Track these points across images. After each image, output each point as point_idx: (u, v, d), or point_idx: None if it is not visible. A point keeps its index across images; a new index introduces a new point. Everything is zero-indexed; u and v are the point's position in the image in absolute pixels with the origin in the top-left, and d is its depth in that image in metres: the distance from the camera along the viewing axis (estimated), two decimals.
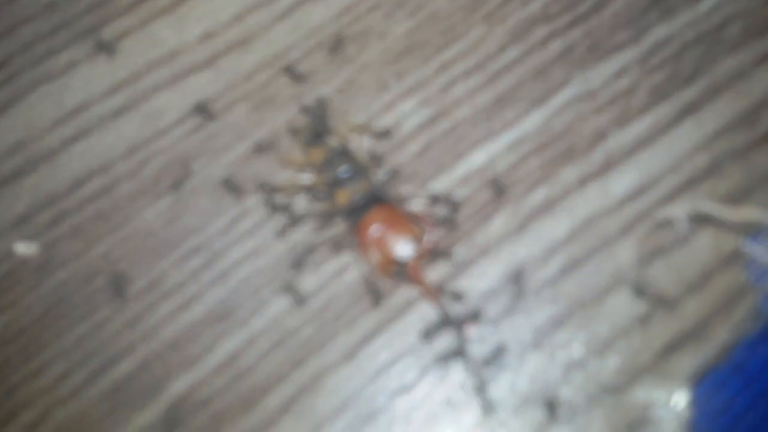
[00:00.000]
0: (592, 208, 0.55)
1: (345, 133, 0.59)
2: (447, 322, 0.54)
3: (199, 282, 0.55)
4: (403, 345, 0.54)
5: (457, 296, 0.55)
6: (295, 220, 0.57)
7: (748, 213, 0.50)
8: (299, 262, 0.57)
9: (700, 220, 0.53)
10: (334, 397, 0.51)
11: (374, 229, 0.54)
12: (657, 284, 0.52)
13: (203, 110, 0.58)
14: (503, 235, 0.57)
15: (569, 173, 0.56)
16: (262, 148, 0.60)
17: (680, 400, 0.49)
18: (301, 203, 0.59)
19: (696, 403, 0.49)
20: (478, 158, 0.59)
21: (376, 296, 0.55)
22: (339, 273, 0.56)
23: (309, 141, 0.59)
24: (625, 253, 0.53)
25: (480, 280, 0.56)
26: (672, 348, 0.51)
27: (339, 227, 0.57)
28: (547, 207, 0.55)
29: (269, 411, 0.51)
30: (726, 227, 0.52)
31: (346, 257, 0.57)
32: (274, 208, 0.57)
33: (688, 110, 0.58)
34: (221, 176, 0.59)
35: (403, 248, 0.53)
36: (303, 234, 0.58)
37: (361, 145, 0.59)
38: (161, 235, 0.57)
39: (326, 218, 0.56)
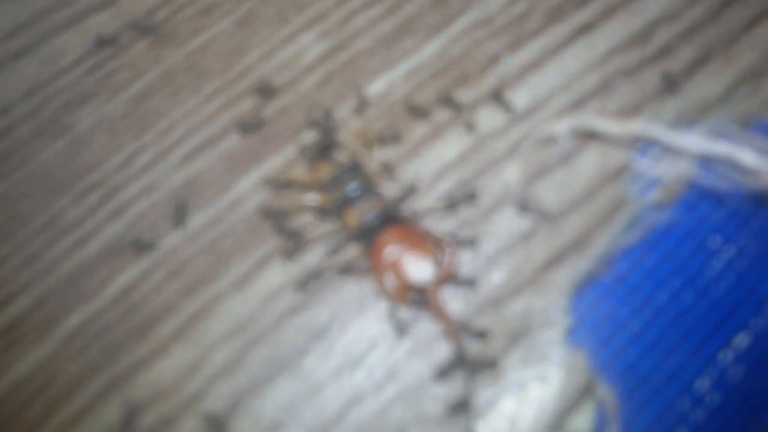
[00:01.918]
0: (481, 131, 0.57)
1: (354, 147, 0.56)
2: (462, 362, 0.50)
3: (95, 218, 0.58)
4: (291, 271, 0.56)
5: (482, 335, 0.51)
6: (302, 245, 0.55)
7: (635, 126, 0.53)
8: (305, 284, 0.55)
9: (586, 136, 0.55)
10: (224, 322, 0.54)
11: (389, 252, 0.51)
12: (541, 201, 0.55)
13: (104, 42, 0.61)
14: (398, 158, 0.58)
15: (462, 98, 0.59)
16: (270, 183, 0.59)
17: (561, 311, 0.52)
18: (309, 225, 0.56)
19: (577, 314, 0.52)
20: (377, 87, 0.61)
21: (399, 327, 0.52)
22: (232, 206, 0.58)
23: (316, 156, 0.56)
24: (512, 172, 0.56)
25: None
26: (554, 261, 0.53)
27: (351, 251, 0.55)
28: (439, 132, 0.58)
29: (161, 338, 0.54)
30: (613, 142, 0.55)
31: (240, 190, 0.59)
32: (285, 235, 0.55)
33: (582, 31, 0.61)
34: (120, 113, 0.60)
35: (421, 272, 0.50)
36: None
37: (372, 157, 0.57)
38: (59, 174, 0.60)
39: (337, 242, 0.54)
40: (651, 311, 0.51)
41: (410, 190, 0.55)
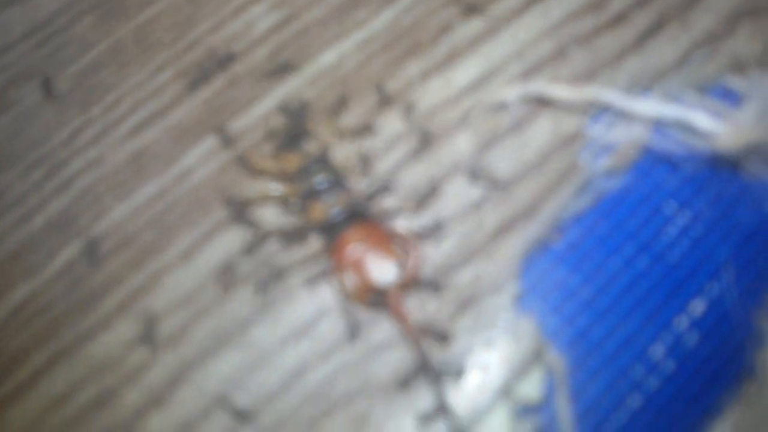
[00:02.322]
0: (433, 100, 0.57)
1: (325, 137, 0.54)
2: (426, 369, 0.48)
3: (41, 193, 0.58)
4: (238, 243, 0.55)
5: (443, 338, 0.49)
6: (262, 237, 0.53)
7: (587, 92, 0.53)
8: (265, 287, 0.53)
9: (538, 103, 0.55)
10: (170, 295, 0.54)
11: (352, 250, 0.49)
12: (493, 169, 0.54)
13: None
14: (349, 129, 0.57)
15: (413, 68, 0.58)
16: (226, 142, 0.57)
17: (511, 279, 0.52)
18: (270, 216, 0.54)
19: (527, 281, 0.52)
20: (327, 58, 0.60)
21: (352, 327, 0.50)
22: (179, 178, 0.57)
23: (284, 145, 0.55)
24: (464, 140, 0.56)
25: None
26: (505, 229, 0.53)
27: (312, 246, 0.53)
28: (391, 101, 0.58)
29: (106, 312, 0.54)
30: (565, 109, 0.55)
31: (187, 162, 0.59)
32: (241, 222, 0.53)
33: None
34: (67, 88, 0.60)
35: (384, 273, 0.49)
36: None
37: (345, 149, 0.55)
38: (4, 150, 0.59)
39: (297, 235, 0.52)
40: (603, 278, 0.51)
41: (382, 188, 0.54)
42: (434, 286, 0.50)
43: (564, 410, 0.48)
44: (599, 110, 0.55)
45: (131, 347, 0.52)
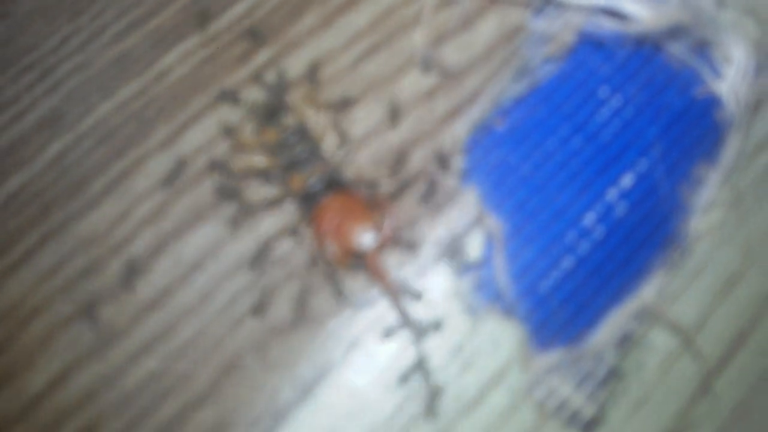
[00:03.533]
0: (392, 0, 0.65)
1: (303, 110, 0.57)
2: (406, 324, 0.53)
3: (32, 94, 0.66)
4: (211, 130, 0.63)
5: (417, 296, 0.54)
6: (247, 210, 0.57)
7: None
8: (258, 261, 0.57)
9: None
10: (150, 178, 0.62)
11: (331, 217, 0.52)
12: (444, 60, 0.63)
13: None
14: (310, 29, 0.65)
15: None
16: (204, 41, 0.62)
17: (457, 156, 0.60)
18: (253, 190, 0.58)
19: (472, 159, 0.60)
20: None
21: (337, 289, 0.54)
22: (158, 77, 0.66)
23: (264, 119, 0.58)
24: (418, 36, 0.64)
25: (290, 69, 0.65)
26: (453, 113, 0.61)
27: (293, 214, 0.57)
28: (351, 2, 0.66)
29: (92, 195, 0.62)
30: (510, 3, 0.63)
31: (165, 62, 0.67)
32: (225, 195, 0.57)
33: None
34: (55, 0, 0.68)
35: (362, 238, 0.52)
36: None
37: (320, 120, 0.58)
38: None
39: (277, 203, 0.56)
40: (541, 156, 0.59)
41: (351, 150, 0.59)
42: (410, 245, 0.55)
43: (501, 268, 0.56)
44: (541, 3, 0.61)
45: (115, 224, 0.59)
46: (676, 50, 0.59)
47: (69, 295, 0.59)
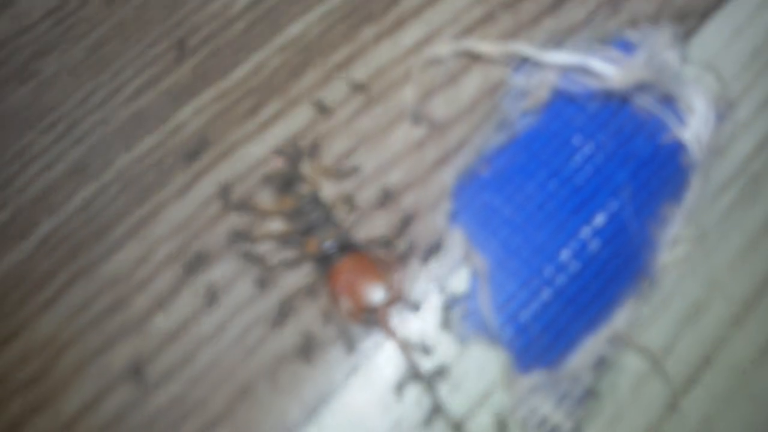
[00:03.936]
0: (383, 60, 0.75)
1: (316, 179, 0.62)
2: (416, 375, 0.58)
3: (59, 146, 0.74)
4: (230, 174, 0.71)
5: (426, 350, 0.59)
6: (271, 272, 0.62)
7: (509, 47, 0.70)
8: (281, 319, 0.62)
9: (470, 57, 0.72)
10: (169, 224, 0.70)
11: (345, 277, 0.57)
12: (432, 114, 0.72)
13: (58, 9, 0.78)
14: (311, 86, 0.73)
15: (367, 33, 0.76)
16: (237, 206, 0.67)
17: (445, 200, 0.69)
18: (273, 251, 0.64)
19: (460, 202, 0.69)
20: (294, 29, 0.77)
21: (348, 343, 0.59)
22: (173, 131, 0.74)
23: (281, 188, 0.62)
24: (409, 92, 0.73)
25: (291, 124, 0.73)
26: (441, 162, 0.70)
27: (311, 275, 0.61)
28: (348, 62, 0.75)
29: (116, 239, 0.69)
30: (492, 62, 0.72)
31: (179, 118, 0.75)
32: (250, 260, 0.62)
33: None
34: (79, 59, 0.77)
35: (374, 295, 0.57)
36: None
37: (331, 189, 0.64)
38: (28, 112, 0.76)
39: (295, 265, 0.61)
40: (521, 198, 0.66)
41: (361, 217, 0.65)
42: (414, 306, 0.60)
43: (486, 300, 0.64)
44: (520, 63, 0.70)
45: (138, 264, 0.68)
46: (644, 102, 0.67)
47: (97, 329, 0.65)
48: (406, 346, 0.57)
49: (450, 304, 0.62)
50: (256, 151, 0.70)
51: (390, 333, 0.56)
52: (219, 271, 0.66)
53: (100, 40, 0.78)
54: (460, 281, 0.63)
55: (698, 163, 0.65)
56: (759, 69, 0.69)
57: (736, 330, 0.64)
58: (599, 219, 0.66)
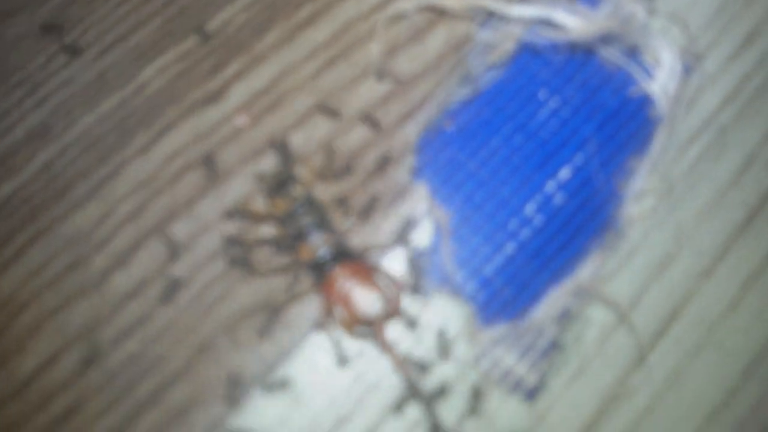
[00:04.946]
0: (348, 16, 0.74)
1: (310, 180, 0.60)
2: (415, 394, 0.57)
3: (21, 109, 0.74)
4: (192, 134, 0.71)
5: (423, 368, 0.57)
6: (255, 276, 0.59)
7: (474, 1, 0.67)
8: (266, 328, 0.61)
9: (434, 12, 0.71)
10: (130, 182, 0.70)
11: (340, 287, 0.55)
12: (397, 70, 0.71)
13: None
14: (275, 44, 0.73)
15: None
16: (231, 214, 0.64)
17: (409, 155, 0.68)
18: (262, 255, 0.62)
19: (423, 157, 0.68)
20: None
21: (340, 357, 0.58)
22: (137, 90, 0.73)
23: (273, 190, 0.60)
24: (374, 48, 0.72)
25: (252, 81, 0.73)
26: (406, 117, 0.70)
27: (304, 283, 0.60)
28: (313, 19, 0.74)
29: (76, 199, 0.68)
30: (457, 16, 0.72)
31: (144, 76, 0.74)
32: (236, 264, 0.61)
33: None
34: (39, 22, 0.76)
35: (370, 307, 0.55)
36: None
37: (326, 192, 0.62)
38: None
39: (288, 272, 0.59)
40: (486, 153, 0.66)
41: (358, 220, 0.63)
42: (411, 322, 0.59)
43: (448, 254, 0.64)
44: (485, 17, 0.69)
45: (98, 223, 0.67)
46: (610, 55, 0.66)
47: (55, 289, 0.65)
48: (403, 363, 0.55)
49: (413, 258, 0.60)
50: (219, 109, 0.70)
51: (387, 348, 0.55)
52: (178, 230, 0.66)
53: (64, 3, 0.76)
54: (423, 235, 0.61)
55: (665, 115, 0.63)
56: (727, 20, 0.68)
57: (705, 283, 0.63)
58: (565, 172, 0.66)
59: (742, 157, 0.68)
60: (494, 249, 0.62)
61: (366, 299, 0.55)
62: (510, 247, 0.61)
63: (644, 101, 0.66)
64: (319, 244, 0.57)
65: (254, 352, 0.62)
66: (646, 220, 0.64)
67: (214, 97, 0.71)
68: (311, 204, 0.58)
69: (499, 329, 0.60)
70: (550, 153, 0.67)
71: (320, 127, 0.69)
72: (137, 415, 0.61)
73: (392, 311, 0.55)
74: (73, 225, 0.68)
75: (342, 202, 0.64)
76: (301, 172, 0.62)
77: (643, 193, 0.64)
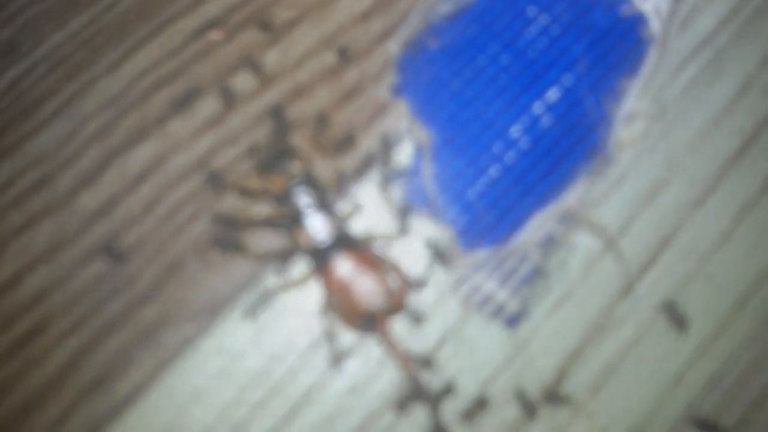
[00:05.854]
0: None
1: (309, 155, 0.56)
2: (419, 393, 0.53)
3: None
4: (164, 50, 0.68)
5: (426, 363, 0.53)
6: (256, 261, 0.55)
7: None
8: (254, 309, 0.57)
9: None
10: (98, 100, 0.67)
11: (341, 276, 0.52)
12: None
13: None
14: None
15: None
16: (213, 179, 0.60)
17: (390, 72, 0.65)
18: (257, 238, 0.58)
19: (405, 75, 0.65)
20: None
21: (335, 355, 0.54)
22: (107, 8, 0.70)
23: (268, 164, 0.56)
24: None
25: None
26: (386, 34, 0.66)
27: (302, 268, 0.56)
28: None
29: (43, 117, 0.66)
30: None
31: None
32: (226, 247, 0.56)
33: None
34: None
35: (374, 299, 0.52)
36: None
37: (326, 168, 0.58)
38: None
39: (285, 258, 0.55)
40: (472, 72, 0.63)
41: (357, 207, 0.58)
42: (417, 317, 0.55)
43: (429, 176, 0.61)
44: None
45: (65, 141, 0.64)
46: None
47: (19, 208, 0.62)
48: (407, 361, 0.52)
49: (391, 179, 0.57)
50: (191, 24, 0.68)
51: (390, 344, 0.51)
52: (148, 148, 0.64)
53: None
54: (403, 155, 0.58)
55: (658, 36, 0.60)
56: None
57: (697, 212, 0.61)
58: (553, 93, 0.64)
59: (738, 82, 0.65)
60: (477, 172, 0.59)
61: (369, 292, 0.51)
62: (494, 170, 0.59)
63: (637, 20, 0.63)
64: (318, 229, 0.53)
65: (225, 273, 0.59)
66: (636, 145, 0.61)
67: (186, 12, 0.68)
68: (310, 182, 0.53)
69: (481, 254, 0.56)
70: (538, 73, 0.64)
71: (299, 45, 0.67)
72: (105, 335, 0.60)
73: (397, 305, 0.52)
74: (39, 143, 0.66)
75: (340, 178, 0.60)
76: (300, 143, 0.57)
77: (633, 117, 0.61)
